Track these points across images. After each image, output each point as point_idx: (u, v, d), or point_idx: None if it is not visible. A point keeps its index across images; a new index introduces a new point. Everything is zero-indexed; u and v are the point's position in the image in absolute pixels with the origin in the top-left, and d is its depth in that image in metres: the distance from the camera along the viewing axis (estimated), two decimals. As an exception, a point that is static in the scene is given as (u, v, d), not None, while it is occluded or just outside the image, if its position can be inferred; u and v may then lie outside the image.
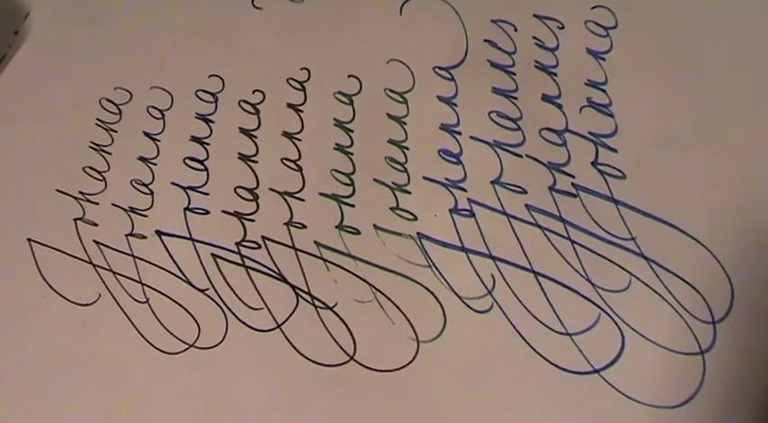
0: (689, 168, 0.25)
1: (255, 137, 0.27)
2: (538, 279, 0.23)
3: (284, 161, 0.27)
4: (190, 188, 0.27)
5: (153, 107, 0.29)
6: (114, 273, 0.26)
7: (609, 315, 0.23)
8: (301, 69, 0.28)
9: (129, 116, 0.29)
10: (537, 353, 0.23)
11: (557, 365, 0.22)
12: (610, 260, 0.23)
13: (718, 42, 0.27)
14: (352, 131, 0.27)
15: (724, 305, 0.22)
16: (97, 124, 0.29)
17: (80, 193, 0.27)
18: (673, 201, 0.24)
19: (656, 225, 0.24)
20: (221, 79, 0.29)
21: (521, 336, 0.23)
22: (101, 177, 0.28)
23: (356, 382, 0.23)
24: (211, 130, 0.28)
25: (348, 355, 0.23)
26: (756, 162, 0.24)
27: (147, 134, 0.28)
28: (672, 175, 0.24)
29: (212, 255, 0.25)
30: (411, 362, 0.23)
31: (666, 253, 0.23)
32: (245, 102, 0.28)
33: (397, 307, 0.24)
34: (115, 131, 0.29)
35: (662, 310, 0.23)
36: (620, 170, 0.25)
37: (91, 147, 0.28)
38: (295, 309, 0.24)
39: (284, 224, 0.25)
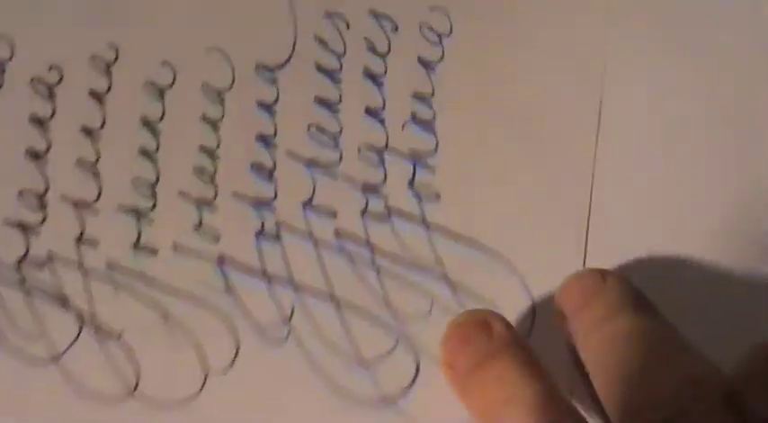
0: (508, 192, 0.26)
1: (49, 128, 0.25)
2: (339, 308, 0.24)
3: (79, 163, 0.25)
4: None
5: None
6: None
7: (407, 343, 0.24)
8: (109, 45, 0.26)
9: None
10: (332, 383, 0.23)
11: (352, 395, 0.23)
12: (414, 286, 0.24)
13: (549, 56, 0.27)
14: (159, 133, 0.25)
15: (523, 333, 0.24)
16: None
17: None
18: (486, 225, 0.25)
19: (466, 249, 0.25)
20: (9, 46, 0.26)
21: (317, 366, 0.24)
22: None
23: (140, 415, 0.23)
24: (-8, 115, 0.25)
25: (131, 386, 0.23)
26: (571, 192, 0.26)
27: None
28: (489, 198, 0.26)
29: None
30: (199, 393, 0.23)
31: (472, 278, 0.25)
32: (38, 81, 0.26)
33: (190, 335, 0.23)
34: None
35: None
36: (435, 191, 0.25)
37: None
38: (77, 337, 0.23)
39: (74, 240, 0.24)
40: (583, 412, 0.19)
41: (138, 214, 0.25)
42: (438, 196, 0.26)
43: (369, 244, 0.25)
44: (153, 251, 0.24)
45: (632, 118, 0.27)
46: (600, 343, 0.20)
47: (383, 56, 0.28)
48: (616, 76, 0.27)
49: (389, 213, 0.26)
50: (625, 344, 0.19)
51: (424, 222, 0.25)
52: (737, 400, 0.18)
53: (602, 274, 0.22)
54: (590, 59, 0.28)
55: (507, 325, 0.21)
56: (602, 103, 0.27)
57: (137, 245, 0.24)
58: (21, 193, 0.25)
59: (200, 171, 0.25)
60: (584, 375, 0.21)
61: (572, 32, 0.28)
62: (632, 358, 0.19)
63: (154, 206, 0.25)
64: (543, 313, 0.24)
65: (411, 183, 0.26)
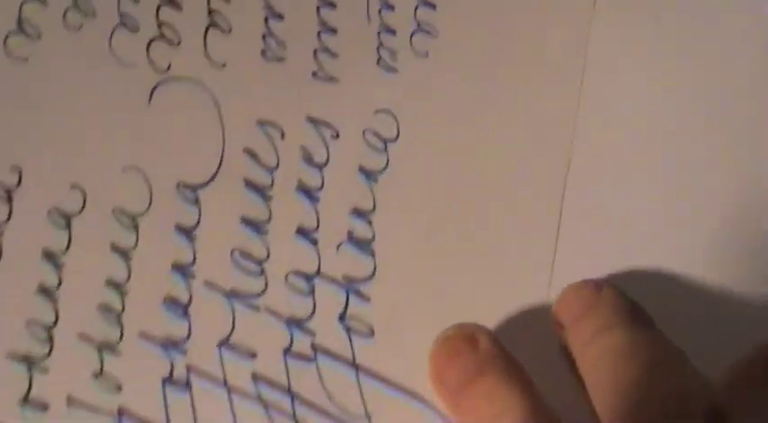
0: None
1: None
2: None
3: (-30, 305, 0.23)
4: None
5: None
6: None
7: None
8: (11, 169, 0.24)
9: None
10: None
11: None
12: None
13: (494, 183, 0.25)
14: (62, 267, 0.23)
15: None
16: None
17: None
18: (422, 369, 0.22)
19: (399, 398, 0.22)
20: None
21: None
22: None
23: None
24: None
25: None
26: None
27: None
28: (431, 337, 0.22)
29: None
30: None
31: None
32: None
33: None
34: None
35: None
36: (368, 326, 0.23)
37: None
38: None
39: (-46, 396, 0.22)
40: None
41: (29, 363, 0.22)
42: (372, 332, 0.23)
43: (290, 391, 0.22)
44: (43, 406, 0.22)
45: (630, 120, 0.26)
46: (594, 357, 0.20)
47: (320, 167, 0.25)
48: (609, 81, 0.26)
49: (315, 353, 0.23)
50: (617, 359, 0.20)
51: (354, 364, 0.22)
52: (721, 413, 0.19)
53: (598, 285, 0.22)
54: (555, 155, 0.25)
55: (493, 339, 0.21)
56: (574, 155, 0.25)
57: (26, 399, 0.22)
58: None
59: (105, 309, 0.23)
60: (584, 388, 0.21)
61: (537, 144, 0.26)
62: (623, 374, 0.19)
63: (49, 352, 0.22)
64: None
65: (342, 316, 0.23)
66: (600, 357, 0.20)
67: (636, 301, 0.22)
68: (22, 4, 0.25)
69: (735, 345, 0.22)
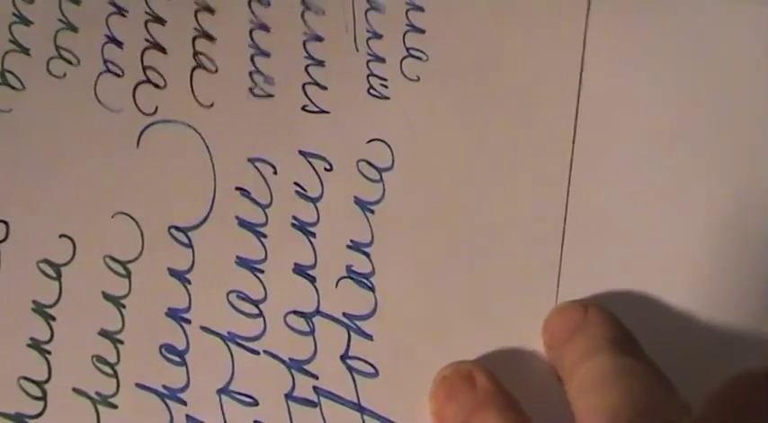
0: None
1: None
2: None
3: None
4: None
5: None
6: None
7: None
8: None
9: None
10: None
11: None
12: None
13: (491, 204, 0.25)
14: (53, 319, 0.22)
15: None
16: None
17: None
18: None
19: None
20: None
21: None
22: None
23: None
24: None
25: None
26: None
27: None
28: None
29: None
30: None
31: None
32: None
33: None
34: None
35: None
36: (372, 365, 0.22)
37: None
38: None
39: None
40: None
41: (21, 422, 0.21)
42: (375, 370, 0.22)
43: (294, 441, 0.21)
44: (35, 467, 0.21)
45: (629, 122, 0.25)
46: (580, 381, 0.20)
47: (315, 201, 0.25)
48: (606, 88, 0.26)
49: (319, 396, 0.22)
50: (602, 384, 0.19)
51: (359, 407, 0.21)
52: None
53: (584, 307, 0.22)
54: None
55: (490, 376, 0.21)
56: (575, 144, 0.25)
57: (19, 463, 0.21)
58: None
59: (99, 361, 0.22)
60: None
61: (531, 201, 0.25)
62: (607, 400, 0.19)
63: (43, 411, 0.21)
64: None
65: (345, 355, 0.22)
66: (585, 382, 0.20)
67: (622, 322, 0.22)
68: (4, 55, 0.25)
69: (733, 351, 0.22)
